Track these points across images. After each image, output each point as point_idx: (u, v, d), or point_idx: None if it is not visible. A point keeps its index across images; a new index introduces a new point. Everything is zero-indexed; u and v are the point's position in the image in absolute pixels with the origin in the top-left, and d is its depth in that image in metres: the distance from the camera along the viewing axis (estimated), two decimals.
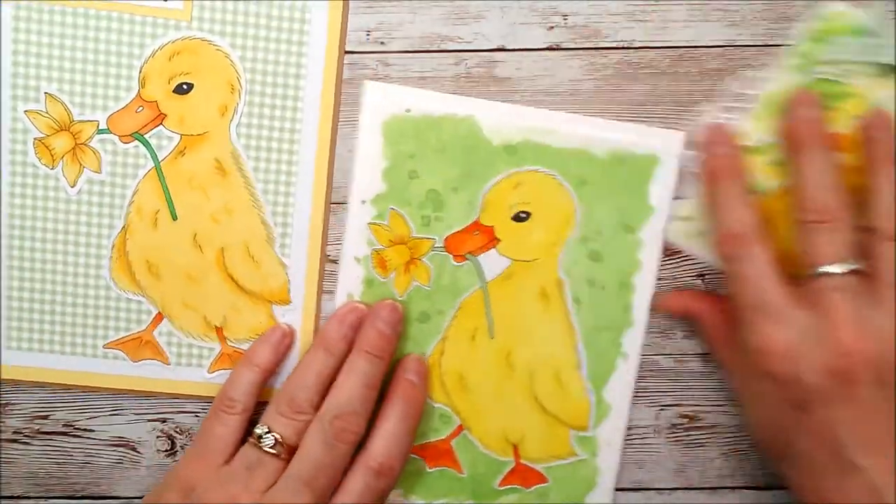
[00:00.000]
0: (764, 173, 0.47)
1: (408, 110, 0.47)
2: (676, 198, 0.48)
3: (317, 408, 0.46)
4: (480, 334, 0.49)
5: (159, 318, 0.50)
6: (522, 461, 0.51)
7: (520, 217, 0.48)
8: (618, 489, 0.53)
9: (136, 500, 0.53)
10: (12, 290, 0.49)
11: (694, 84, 0.48)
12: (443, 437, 0.51)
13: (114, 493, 0.53)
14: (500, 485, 0.51)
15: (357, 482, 0.45)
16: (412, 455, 0.50)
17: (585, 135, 0.47)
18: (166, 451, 0.52)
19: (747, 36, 0.48)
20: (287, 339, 0.49)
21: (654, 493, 0.53)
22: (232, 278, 0.49)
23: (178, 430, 0.52)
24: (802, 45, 0.47)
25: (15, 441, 0.52)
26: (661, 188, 0.48)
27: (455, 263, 0.49)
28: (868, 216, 0.44)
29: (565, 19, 0.48)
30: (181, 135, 0.48)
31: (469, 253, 0.49)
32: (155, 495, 0.47)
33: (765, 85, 0.47)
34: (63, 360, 0.50)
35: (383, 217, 0.48)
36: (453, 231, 0.48)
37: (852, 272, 0.43)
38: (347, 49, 0.48)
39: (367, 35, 0.47)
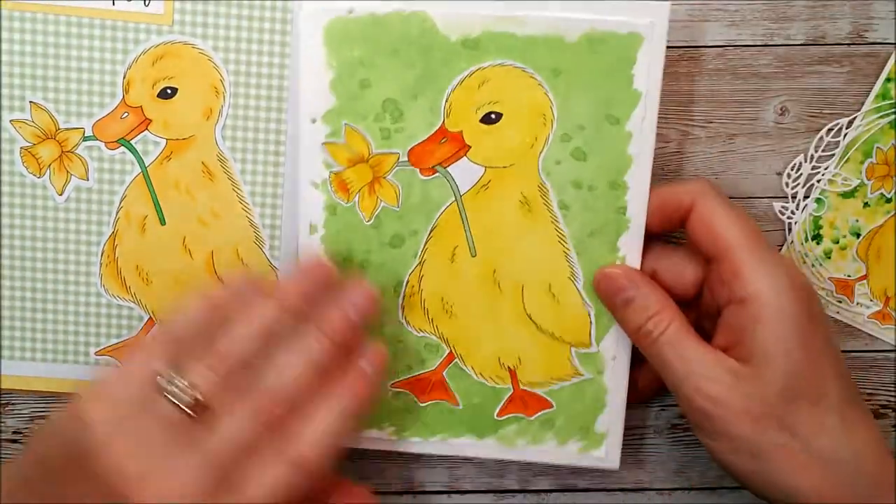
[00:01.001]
0: (859, 215, 0.50)
1: (350, 11, 0.43)
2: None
3: (250, 367, 0.41)
4: (461, 253, 0.46)
5: (151, 323, 0.50)
6: (522, 387, 0.48)
7: (489, 118, 0.44)
8: (618, 489, 0.52)
9: None
10: (3, 299, 0.50)
11: (693, 84, 0.49)
12: (433, 369, 0.48)
13: None
14: (499, 414, 0.48)
15: (272, 472, 0.40)
16: (402, 390, 0.48)
17: (555, 17, 0.43)
18: None
19: (747, 36, 0.49)
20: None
21: (654, 494, 0.54)
22: (222, 282, 0.49)
23: None
24: (881, 87, 0.48)
25: (15, 441, 0.52)
26: (647, 70, 0.43)
27: (423, 178, 0.45)
28: None
29: None
30: (167, 139, 0.48)
31: (438, 164, 0.45)
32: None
33: (852, 131, 0.49)
34: (55, 368, 0.51)
35: (338, 135, 0.44)
36: (417, 142, 0.44)
37: None
38: None
39: None
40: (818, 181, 0.50)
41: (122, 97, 0.48)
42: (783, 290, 0.41)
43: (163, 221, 0.49)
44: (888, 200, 0.50)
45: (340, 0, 0.43)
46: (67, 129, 0.48)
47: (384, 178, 0.45)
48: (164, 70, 0.48)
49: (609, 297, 0.45)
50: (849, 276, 0.51)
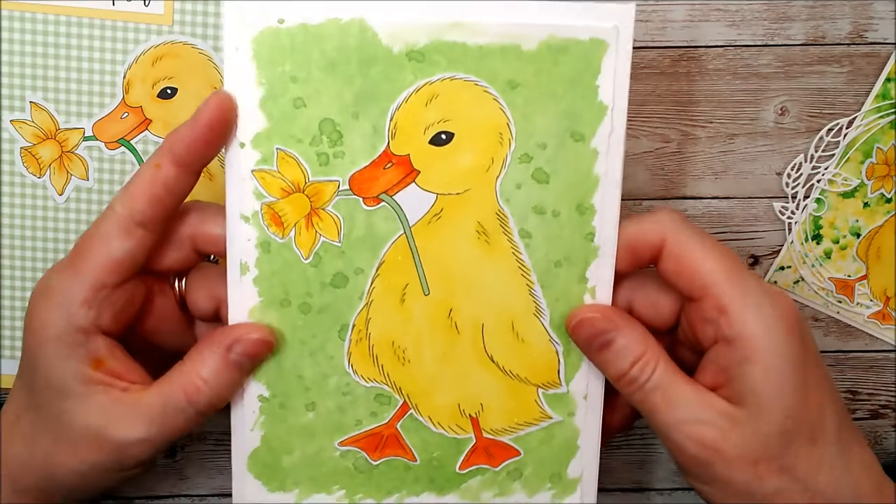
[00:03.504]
0: (859, 215, 0.50)
1: (281, 21, 0.39)
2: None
3: None
4: (412, 291, 0.42)
5: None
6: (485, 435, 0.44)
7: (440, 139, 0.40)
8: (618, 489, 0.52)
9: (138, 500, 0.56)
10: (4, 299, 0.52)
11: (694, 84, 0.50)
12: (385, 422, 0.44)
13: (114, 492, 0.55)
14: (461, 467, 0.44)
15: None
16: (351, 448, 0.44)
17: (510, 24, 0.39)
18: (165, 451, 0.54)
19: (747, 36, 0.50)
20: None
21: (654, 494, 0.54)
22: None
23: None
24: (881, 88, 0.49)
25: None
26: (612, 80, 0.40)
27: (367, 208, 0.41)
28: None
29: None
30: None
31: (383, 192, 0.41)
32: None
33: (852, 131, 0.50)
34: None
35: (270, 161, 0.40)
36: (359, 168, 0.40)
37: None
38: None
39: None
40: (818, 181, 0.50)
41: (122, 97, 0.50)
42: (773, 325, 0.39)
43: None
44: (888, 200, 0.51)
45: (270, 3, 0.39)
46: (67, 129, 0.50)
47: (323, 209, 0.41)
48: (164, 70, 0.49)
49: (585, 342, 0.42)
50: (849, 276, 0.52)
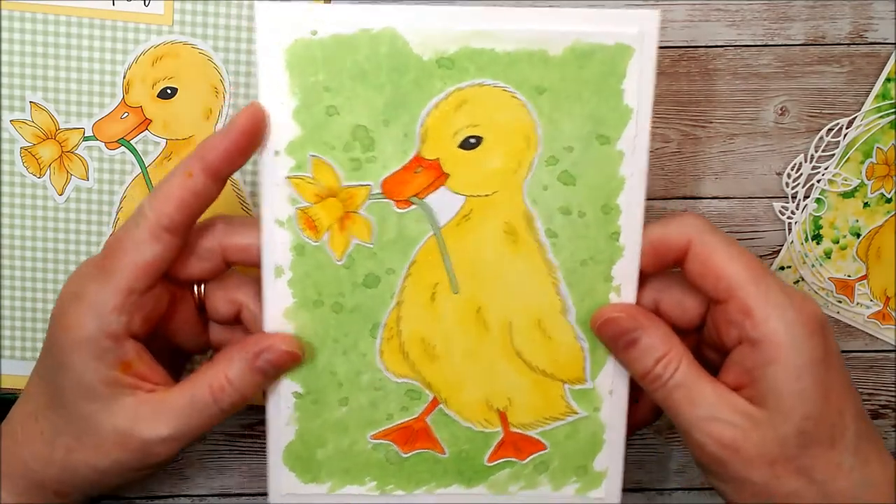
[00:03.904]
0: (859, 215, 0.51)
1: (313, 32, 0.40)
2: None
3: None
4: (442, 291, 0.43)
5: None
6: (513, 429, 0.46)
7: (469, 143, 0.42)
8: None
9: (138, 500, 0.56)
10: (3, 299, 0.52)
11: (694, 84, 0.50)
12: (415, 416, 0.45)
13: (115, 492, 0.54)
14: (490, 460, 0.46)
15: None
16: (383, 441, 0.45)
17: (537, 31, 0.40)
18: None
19: (747, 36, 0.50)
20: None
21: (654, 494, 0.55)
22: None
23: None
24: (881, 88, 0.50)
25: None
26: (637, 84, 0.41)
27: (399, 210, 0.42)
28: None
29: None
30: (167, 139, 0.50)
31: (414, 195, 0.42)
32: None
33: (852, 131, 0.50)
34: None
35: (304, 167, 0.41)
36: (391, 172, 0.42)
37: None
38: None
39: None
40: (818, 181, 0.51)
41: (122, 97, 0.50)
42: (797, 328, 0.40)
43: None
44: (888, 200, 0.51)
45: (303, 15, 0.40)
46: (67, 129, 0.50)
47: (356, 212, 0.42)
48: (164, 70, 0.49)
49: (611, 340, 0.43)
50: (849, 276, 0.52)
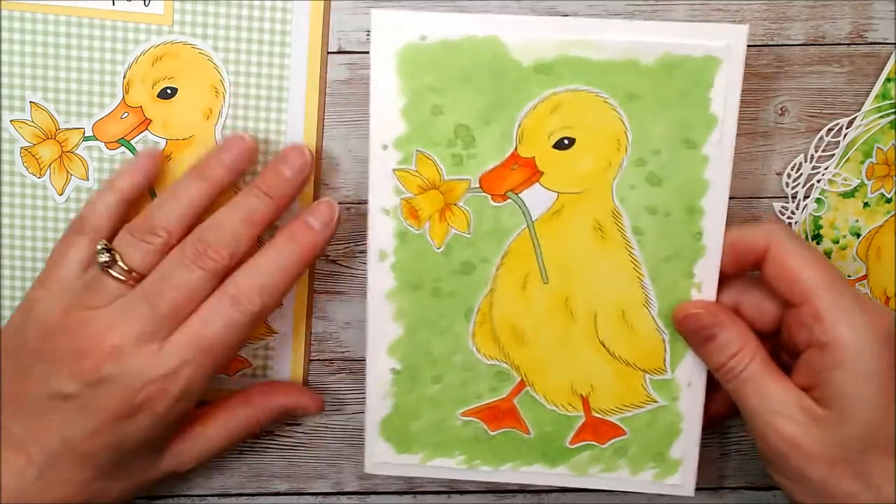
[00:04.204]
0: (859, 215, 0.51)
1: (423, 37, 0.44)
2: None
3: (177, 236, 0.45)
4: (532, 280, 0.47)
5: None
6: (594, 414, 0.49)
7: (562, 144, 0.45)
8: (617, 489, 0.52)
9: (138, 500, 0.56)
10: (4, 299, 0.51)
11: None
12: (503, 396, 0.49)
13: None
14: (571, 442, 0.49)
15: (210, 307, 0.45)
16: (472, 419, 0.49)
17: (629, 41, 0.43)
18: None
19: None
20: (154, 164, 0.48)
21: (654, 494, 0.53)
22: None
23: None
24: (881, 88, 0.49)
25: None
26: (724, 93, 0.44)
27: (495, 204, 0.46)
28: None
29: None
30: (167, 139, 0.50)
31: (510, 191, 0.46)
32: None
33: (852, 131, 0.50)
34: None
35: (409, 161, 0.45)
36: (489, 168, 0.45)
37: None
38: (347, 49, 0.49)
39: (367, 35, 0.48)
40: (818, 181, 0.51)
41: (122, 97, 0.49)
42: (866, 336, 0.42)
43: None
44: (888, 200, 0.51)
45: (414, 21, 0.44)
46: (67, 130, 0.50)
47: (455, 204, 0.46)
48: (164, 70, 0.49)
49: (690, 334, 0.46)
50: (849, 276, 0.52)
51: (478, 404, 0.49)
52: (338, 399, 0.54)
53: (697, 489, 0.51)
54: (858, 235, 0.51)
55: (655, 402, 0.48)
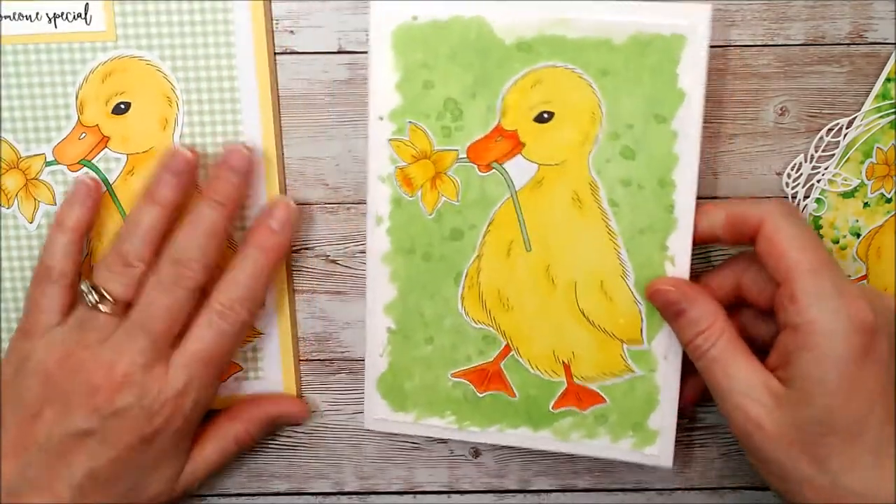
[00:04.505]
0: (859, 215, 0.51)
1: (415, 17, 0.48)
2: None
3: (148, 262, 0.48)
4: (516, 248, 0.50)
5: None
6: (576, 381, 0.51)
7: (542, 117, 0.48)
8: (618, 489, 0.54)
9: None
10: None
11: None
12: (490, 360, 0.52)
13: None
14: (554, 407, 0.51)
15: (201, 325, 0.48)
16: (461, 380, 0.52)
17: (603, 21, 0.47)
18: None
19: (747, 36, 0.50)
20: (94, 194, 0.50)
21: (654, 494, 0.56)
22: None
23: None
24: (881, 88, 0.50)
25: None
26: (691, 70, 0.46)
27: (481, 174, 0.49)
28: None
29: None
30: (127, 154, 0.51)
31: (494, 161, 0.49)
32: None
33: (852, 131, 0.50)
34: None
35: (403, 132, 0.50)
36: (475, 139, 0.49)
37: None
38: (347, 49, 0.51)
39: (367, 34, 0.50)
40: (818, 181, 0.51)
41: (77, 118, 0.51)
42: (837, 322, 0.42)
43: None
44: (888, 200, 0.51)
45: (406, 3, 0.48)
46: (29, 157, 0.51)
47: (445, 173, 0.50)
48: (115, 86, 0.50)
49: (661, 309, 0.48)
50: (849, 276, 0.52)
51: (467, 367, 0.52)
52: (337, 399, 0.56)
53: (697, 489, 0.53)
54: (858, 235, 0.52)
55: (633, 372, 0.50)
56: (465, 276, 0.51)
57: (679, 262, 0.48)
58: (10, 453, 0.47)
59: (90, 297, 0.48)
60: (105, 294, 0.48)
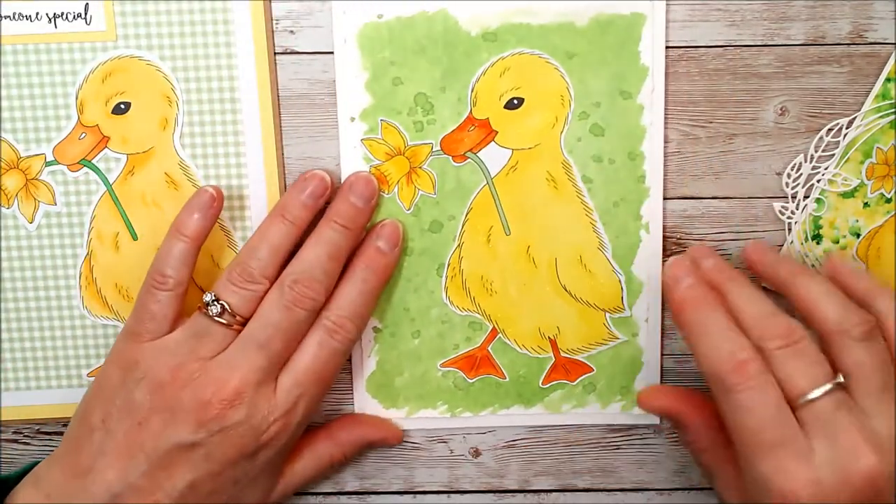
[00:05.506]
0: (859, 215, 0.52)
1: (379, 16, 0.49)
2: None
3: (272, 279, 0.48)
4: (496, 233, 0.51)
5: None
6: (563, 354, 0.53)
7: (512, 104, 0.50)
8: (618, 489, 0.55)
9: None
10: None
11: (694, 84, 0.51)
12: (478, 345, 0.53)
13: None
14: (544, 382, 0.53)
15: (311, 342, 0.48)
16: (451, 369, 0.53)
17: (565, 5, 0.49)
18: None
19: (747, 36, 0.50)
20: (216, 203, 0.49)
21: (654, 494, 0.56)
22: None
23: None
24: (881, 88, 0.50)
25: (15, 441, 0.56)
26: (651, 46, 0.49)
27: (456, 164, 0.51)
28: (817, 323, 0.45)
29: None
30: (127, 154, 0.51)
31: (469, 151, 0.51)
32: (99, 376, 0.49)
33: (852, 131, 0.51)
34: (51, 394, 0.54)
35: (375, 130, 0.50)
36: (448, 131, 0.50)
37: (836, 387, 0.44)
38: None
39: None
40: (818, 181, 0.52)
41: (77, 118, 0.51)
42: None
43: (134, 237, 0.52)
44: (888, 200, 0.52)
45: (370, 2, 0.49)
46: (29, 157, 0.51)
47: (420, 167, 0.51)
48: (115, 86, 0.50)
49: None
50: None
51: (455, 355, 0.53)
52: (337, 399, 0.55)
53: (697, 489, 0.55)
54: (858, 235, 0.52)
55: (617, 338, 0.53)
56: (448, 267, 0.52)
57: (653, 228, 0.51)
58: (116, 458, 0.47)
59: (213, 308, 0.47)
60: (226, 306, 0.47)
